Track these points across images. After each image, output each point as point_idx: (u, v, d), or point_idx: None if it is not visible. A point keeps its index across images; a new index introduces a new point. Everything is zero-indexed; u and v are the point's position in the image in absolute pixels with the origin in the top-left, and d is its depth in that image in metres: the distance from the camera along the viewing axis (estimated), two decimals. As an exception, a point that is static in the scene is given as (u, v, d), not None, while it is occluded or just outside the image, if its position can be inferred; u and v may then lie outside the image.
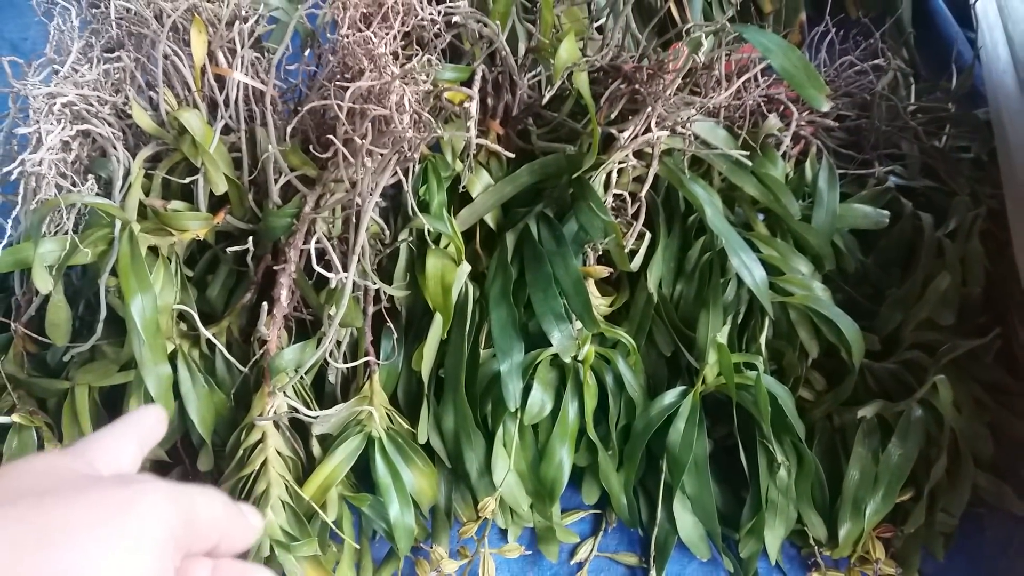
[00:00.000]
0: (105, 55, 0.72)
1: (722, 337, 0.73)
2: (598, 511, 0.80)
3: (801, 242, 0.79)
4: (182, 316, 0.71)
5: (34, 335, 0.70)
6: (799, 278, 0.77)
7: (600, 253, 0.75)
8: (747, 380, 0.73)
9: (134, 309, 0.61)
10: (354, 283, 0.67)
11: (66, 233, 0.66)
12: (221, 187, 0.71)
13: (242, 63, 0.74)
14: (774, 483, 0.74)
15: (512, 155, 0.75)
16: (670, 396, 0.74)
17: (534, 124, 0.80)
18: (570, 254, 0.70)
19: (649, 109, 0.69)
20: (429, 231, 0.72)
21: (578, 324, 0.73)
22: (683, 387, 0.75)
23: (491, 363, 0.75)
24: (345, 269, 0.67)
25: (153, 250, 0.67)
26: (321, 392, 0.76)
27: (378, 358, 0.74)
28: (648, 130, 0.70)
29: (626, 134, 0.71)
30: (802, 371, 0.78)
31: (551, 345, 0.73)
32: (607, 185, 0.72)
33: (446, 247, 0.74)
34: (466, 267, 0.72)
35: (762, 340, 0.76)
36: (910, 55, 1.06)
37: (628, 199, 0.73)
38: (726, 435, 0.79)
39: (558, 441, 0.72)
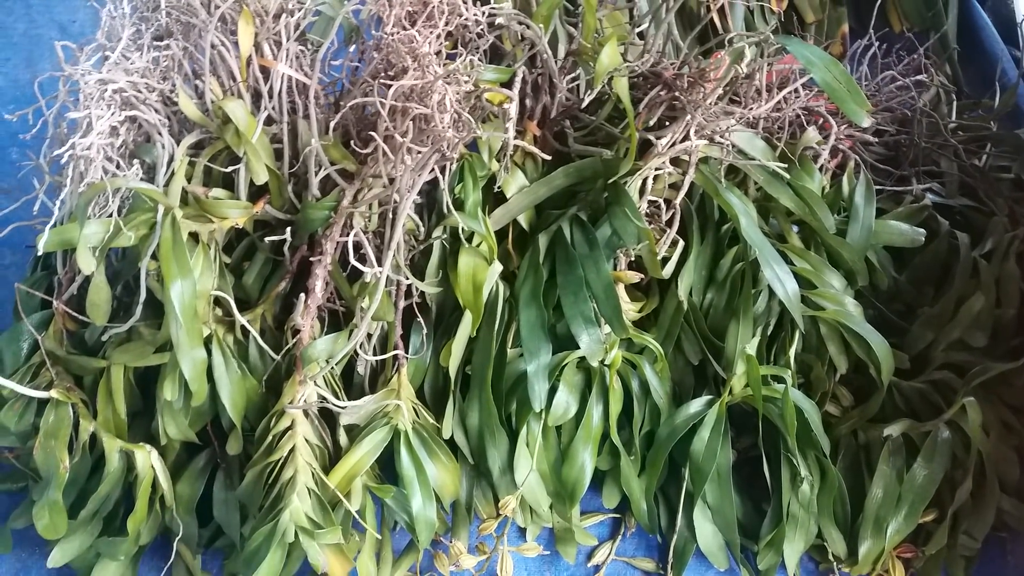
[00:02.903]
0: (154, 43, 0.73)
1: (751, 348, 0.73)
2: (617, 515, 0.80)
3: (835, 256, 0.79)
4: (218, 301, 0.72)
5: (74, 313, 0.71)
6: (831, 292, 0.77)
7: (632, 259, 0.75)
8: (774, 393, 0.73)
9: (173, 293, 0.62)
10: (387, 278, 0.68)
11: (110, 216, 0.67)
12: (262, 177, 0.72)
13: (287, 56, 0.75)
14: (796, 497, 0.74)
15: (548, 157, 0.76)
16: (696, 405, 0.75)
17: (571, 126, 0.80)
18: (602, 258, 0.70)
19: (688, 117, 0.69)
20: (463, 229, 0.72)
21: (606, 328, 0.73)
22: (709, 396, 0.75)
23: (518, 362, 0.75)
24: (380, 264, 0.68)
25: (193, 236, 0.69)
26: (350, 382, 0.77)
27: (407, 352, 0.75)
28: (686, 138, 0.70)
29: (664, 141, 0.71)
30: (830, 386, 0.78)
31: (578, 348, 0.73)
32: (642, 191, 0.72)
33: (478, 245, 0.75)
34: (498, 267, 0.73)
35: (791, 353, 0.76)
36: (953, 71, 1.05)
37: (663, 205, 0.73)
38: (749, 445, 0.79)
39: (581, 444, 0.73)
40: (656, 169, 0.71)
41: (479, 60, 0.74)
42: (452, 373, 0.74)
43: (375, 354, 0.75)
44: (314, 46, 0.82)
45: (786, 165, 0.75)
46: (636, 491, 0.76)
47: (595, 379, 0.74)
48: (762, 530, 0.76)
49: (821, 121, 0.81)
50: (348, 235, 0.70)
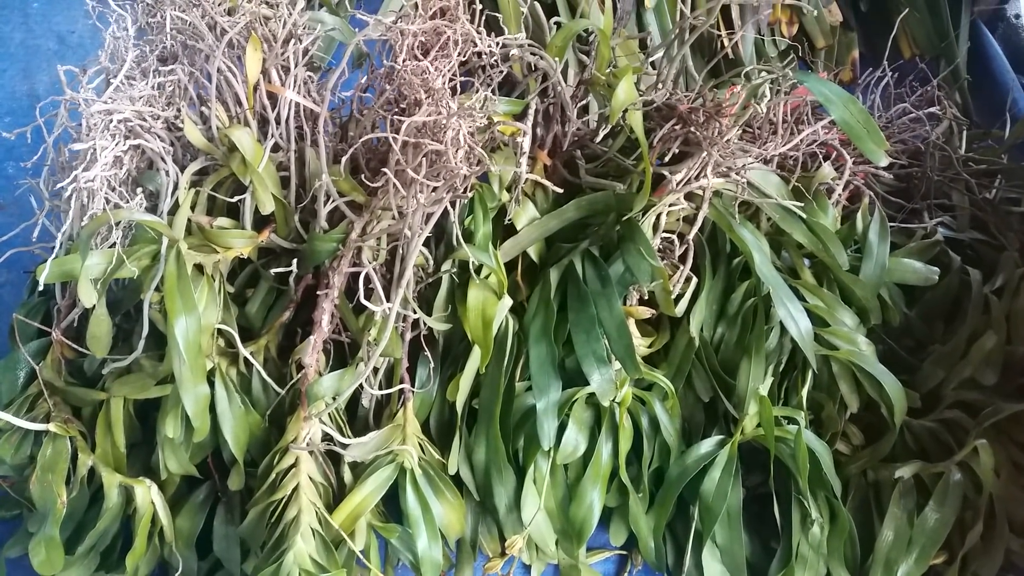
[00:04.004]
0: (158, 66, 0.72)
1: (764, 388, 0.72)
2: (624, 552, 0.79)
3: (847, 293, 0.78)
4: (221, 332, 0.70)
5: (73, 345, 0.70)
6: (844, 331, 0.76)
7: (643, 294, 0.74)
8: (787, 434, 0.72)
9: (178, 330, 0.61)
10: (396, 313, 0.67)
11: (112, 246, 0.66)
12: (268, 206, 0.70)
13: (295, 82, 0.73)
14: (806, 538, 0.73)
15: (560, 190, 0.75)
16: (707, 445, 0.74)
17: (582, 156, 0.79)
18: (615, 296, 0.69)
19: (704, 154, 0.68)
20: (473, 262, 0.71)
21: (616, 364, 0.72)
22: (720, 436, 0.74)
23: (526, 397, 0.74)
24: (389, 299, 0.66)
25: (198, 267, 0.67)
26: (354, 415, 0.76)
27: (413, 385, 0.74)
28: (701, 174, 0.69)
29: (679, 177, 0.70)
30: (840, 425, 0.77)
31: (587, 384, 0.72)
32: (655, 227, 0.71)
33: (487, 278, 0.74)
34: (507, 301, 0.71)
35: (804, 393, 0.75)
36: (963, 100, 1.04)
37: (675, 241, 0.72)
38: (758, 483, 0.78)
39: (590, 483, 0.72)
40: (669, 205, 0.70)
41: (491, 90, 0.72)
42: (459, 408, 0.73)
43: (381, 388, 0.74)
44: (322, 72, 0.80)
45: (801, 204, 0.74)
46: (644, 529, 0.75)
47: (604, 417, 0.73)
48: (771, 570, 0.75)
49: (834, 154, 0.80)
50: (356, 267, 0.69)
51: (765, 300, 0.76)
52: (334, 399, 0.67)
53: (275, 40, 0.72)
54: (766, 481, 0.76)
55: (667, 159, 0.74)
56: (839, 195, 0.79)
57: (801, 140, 0.72)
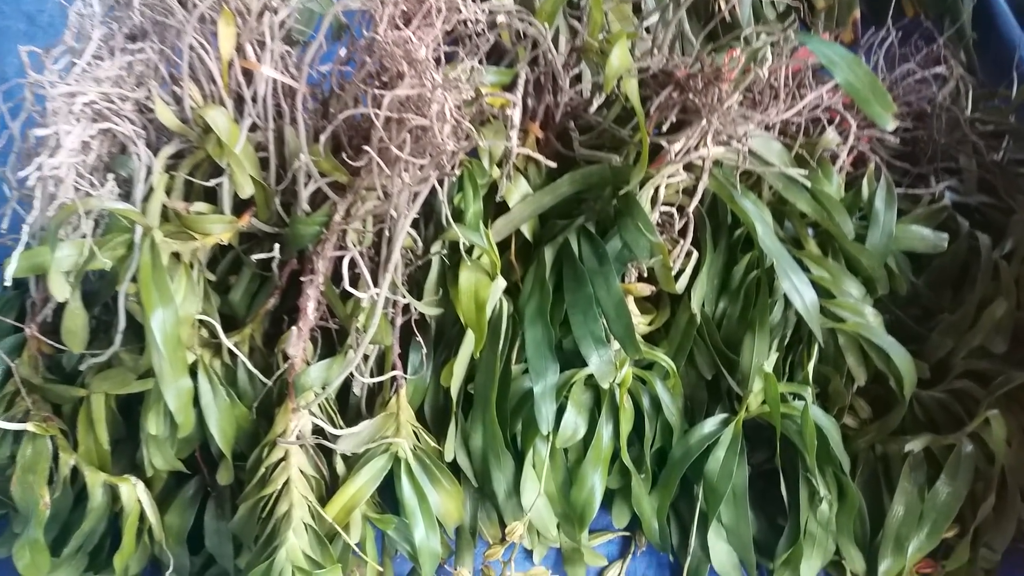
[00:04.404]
0: (127, 45, 0.68)
1: (768, 365, 0.70)
2: (627, 534, 0.77)
3: (853, 263, 0.75)
4: (203, 322, 0.68)
5: (49, 342, 0.67)
6: (851, 302, 0.73)
7: (642, 271, 0.71)
8: (793, 411, 0.70)
9: (155, 323, 0.58)
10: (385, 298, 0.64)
11: (84, 237, 0.62)
12: (247, 190, 0.67)
13: (272, 57, 0.70)
14: (814, 515, 0.71)
15: (554, 164, 0.71)
16: (710, 424, 0.71)
17: (576, 129, 0.76)
18: (613, 274, 0.66)
19: (704, 122, 0.64)
20: (463, 243, 0.68)
21: (615, 344, 0.69)
22: (724, 415, 0.72)
23: (522, 380, 0.72)
24: (376, 284, 0.63)
25: (175, 256, 0.64)
26: (345, 404, 0.73)
27: (406, 372, 0.71)
28: (701, 144, 0.66)
29: (677, 147, 0.67)
30: (848, 398, 0.75)
31: (586, 365, 0.69)
32: (654, 200, 0.68)
33: (479, 257, 0.71)
34: (501, 283, 0.69)
35: (809, 368, 0.72)
36: (968, 59, 1.01)
37: (675, 214, 0.69)
38: (763, 460, 0.76)
39: (591, 466, 0.69)
40: (668, 176, 0.67)
41: (478, 60, 0.69)
42: (454, 394, 0.70)
43: (372, 375, 0.71)
44: (300, 46, 0.76)
45: (807, 172, 0.71)
46: (647, 511, 0.73)
47: (604, 398, 0.70)
48: (778, 548, 0.73)
49: (838, 119, 0.77)
50: (341, 251, 0.66)
51: (768, 273, 0.73)
52: (323, 389, 0.65)
53: (249, 13, 0.69)
54: (772, 458, 0.74)
55: (665, 128, 0.70)
56: (844, 161, 0.76)
57: (804, 105, 0.69)
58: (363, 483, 0.65)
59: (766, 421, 0.72)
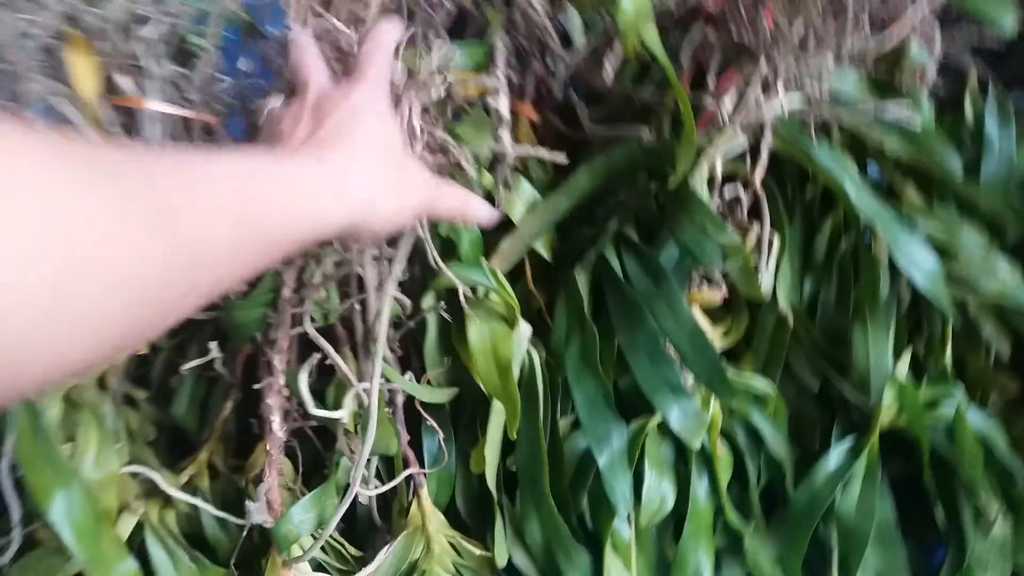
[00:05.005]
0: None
1: (901, 365, 0.52)
2: (741, 596, 0.61)
3: (967, 206, 0.58)
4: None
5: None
6: (978, 259, 0.56)
7: (706, 273, 0.53)
8: (939, 419, 0.53)
9: (55, 514, 0.40)
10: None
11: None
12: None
13: (158, 87, 0.51)
14: (983, 537, 0.55)
15: (563, 159, 0.53)
16: (835, 457, 0.54)
17: (581, 100, 0.57)
18: (677, 294, 0.48)
19: (763, 64, 0.46)
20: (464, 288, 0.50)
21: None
22: (850, 443, 0.54)
23: (575, 440, 0.55)
24: (361, 375, 0.45)
25: (70, 402, 0.45)
26: (353, 515, 0.56)
27: (422, 465, 0.54)
28: (766, 93, 0.47)
29: (727, 103, 0.48)
30: (990, 378, 0.58)
31: (651, 406, 0.52)
32: (710, 182, 0.50)
33: (485, 296, 0.53)
34: (525, 329, 0.51)
35: (947, 358, 0.55)
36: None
37: (741, 195, 0.51)
38: (895, 472, 0.59)
39: (691, 542, 0.52)
40: (725, 146, 0.49)
41: (438, 38, 0.50)
42: (491, 481, 0.53)
43: (380, 479, 0.53)
44: (197, 58, 0.57)
45: (902, 105, 0.53)
46: (768, 572, 0.56)
47: (690, 449, 0.53)
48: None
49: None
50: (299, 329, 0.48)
51: (862, 236, 0.55)
52: (318, 531, 0.47)
53: (112, 32, 0.49)
54: (906, 468, 0.58)
55: (704, 82, 0.52)
56: (935, 79, 0.58)
57: (902, 24, 0.50)
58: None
59: (900, 431, 0.55)
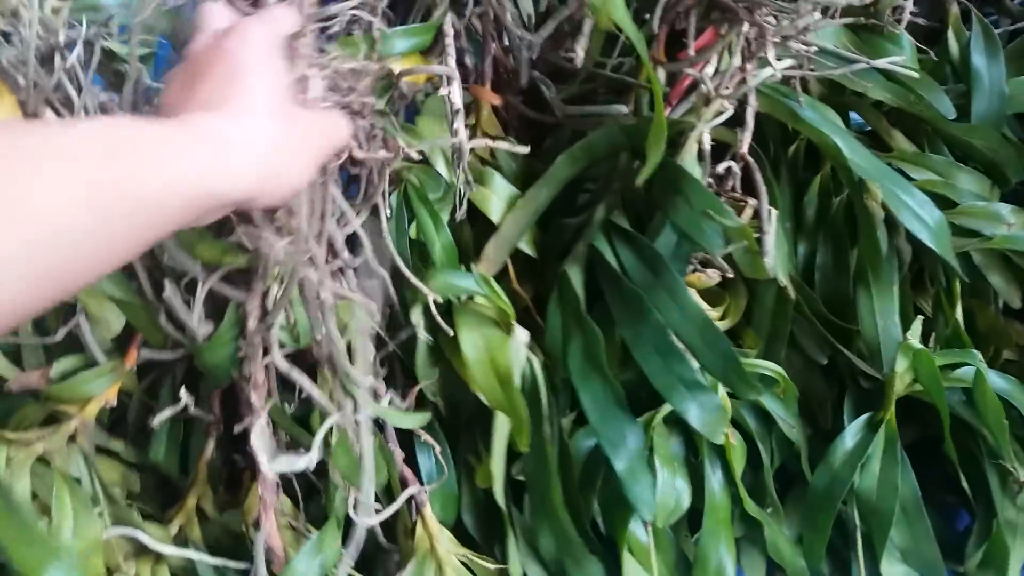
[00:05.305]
0: None
1: (913, 333, 0.50)
2: (763, 578, 0.59)
3: (961, 147, 0.55)
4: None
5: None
6: (979, 206, 0.53)
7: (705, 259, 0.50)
8: (957, 382, 0.51)
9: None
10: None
11: None
12: (115, 325, 0.45)
13: (86, 112, 0.46)
14: (1012, 502, 0.53)
15: (525, 149, 0.49)
16: (851, 434, 0.52)
17: (546, 78, 0.53)
18: (679, 283, 0.45)
19: (745, 25, 0.43)
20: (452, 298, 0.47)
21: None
22: (865, 417, 0.52)
23: (581, 439, 0.52)
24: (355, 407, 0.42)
25: (41, 462, 0.42)
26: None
27: (423, 482, 0.51)
28: (747, 56, 0.44)
29: (709, 70, 0.45)
30: (1003, 331, 0.56)
31: (656, 397, 0.49)
32: (701, 156, 0.46)
33: (469, 300, 0.49)
34: (522, 335, 0.48)
35: (958, 313, 0.53)
36: None
37: (734, 166, 0.47)
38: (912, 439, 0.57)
39: (710, 539, 0.50)
40: (714, 117, 0.45)
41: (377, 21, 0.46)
42: (500, 499, 0.50)
43: (380, 502, 0.50)
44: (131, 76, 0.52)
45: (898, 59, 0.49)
46: (788, 555, 0.54)
47: (701, 440, 0.51)
48: (968, 547, 0.55)
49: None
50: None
51: (854, 188, 0.52)
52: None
53: (26, 63, 0.45)
54: (921, 430, 0.56)
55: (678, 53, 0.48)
56: (913, 11, 0.54)
57: None
58: None
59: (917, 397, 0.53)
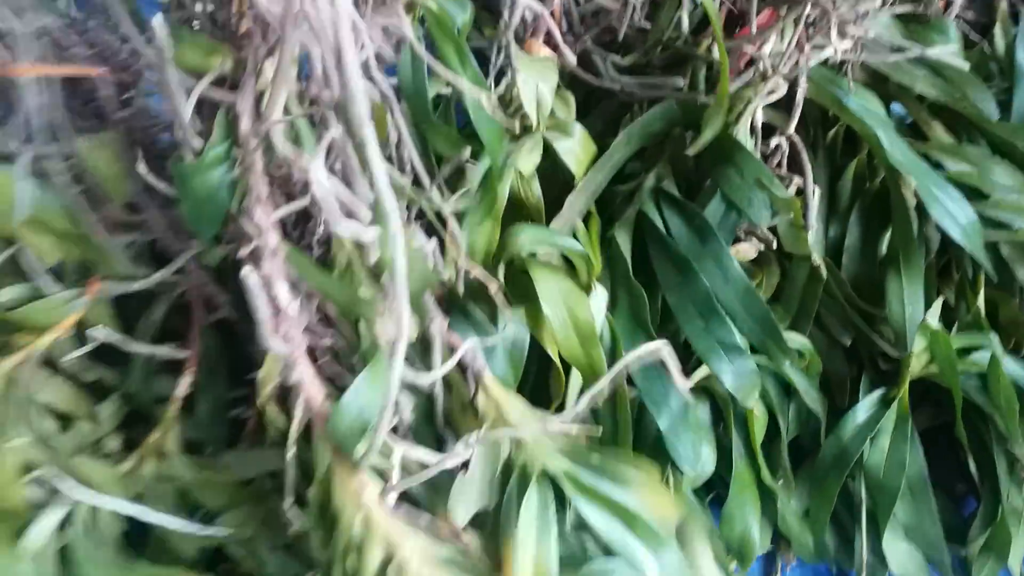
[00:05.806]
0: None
1: (932, 314, 0.52)
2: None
3: (998, 143, 0.57)
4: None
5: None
6: (1012, 199, 0.55)
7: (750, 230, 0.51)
8: (972, 366, 0.53)
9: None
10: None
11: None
12: (51, 255, 0.44)
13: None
14: (1018, 489, 0.55)
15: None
16: (864, 409, 0.54)
17: (600, 47, 0.54)
18: (724, 251, 0.47)
19: (808, 6, 0.44)
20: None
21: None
22: (880, 392, 0.54)
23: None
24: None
25: None
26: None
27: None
28: (805, 38, 0.45)
29: (768, 49, 0.46)
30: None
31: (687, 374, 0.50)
32: (752, 131, 0.48)
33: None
34: (602, 294, 0.47)
35: (980, 303, 0.54)
36: None
37: (783, 143, 0.49)
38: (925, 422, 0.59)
39: (736, 505, 0.52)
40: (768, 95, 0.47)
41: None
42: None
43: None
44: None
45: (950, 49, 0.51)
46: (795, 527, 0.56)
47: (727, 407, 0.52)
48: (971, 532, 0.57)
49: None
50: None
51: (891, 174, 0.54)
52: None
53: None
54: (936, 416, 0.58)
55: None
56: (962, 5, 0.56)
57: None
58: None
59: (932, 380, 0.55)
